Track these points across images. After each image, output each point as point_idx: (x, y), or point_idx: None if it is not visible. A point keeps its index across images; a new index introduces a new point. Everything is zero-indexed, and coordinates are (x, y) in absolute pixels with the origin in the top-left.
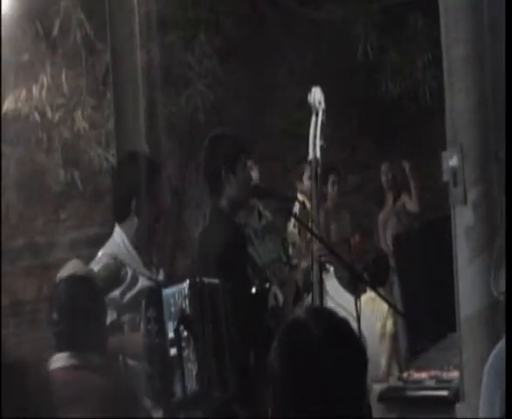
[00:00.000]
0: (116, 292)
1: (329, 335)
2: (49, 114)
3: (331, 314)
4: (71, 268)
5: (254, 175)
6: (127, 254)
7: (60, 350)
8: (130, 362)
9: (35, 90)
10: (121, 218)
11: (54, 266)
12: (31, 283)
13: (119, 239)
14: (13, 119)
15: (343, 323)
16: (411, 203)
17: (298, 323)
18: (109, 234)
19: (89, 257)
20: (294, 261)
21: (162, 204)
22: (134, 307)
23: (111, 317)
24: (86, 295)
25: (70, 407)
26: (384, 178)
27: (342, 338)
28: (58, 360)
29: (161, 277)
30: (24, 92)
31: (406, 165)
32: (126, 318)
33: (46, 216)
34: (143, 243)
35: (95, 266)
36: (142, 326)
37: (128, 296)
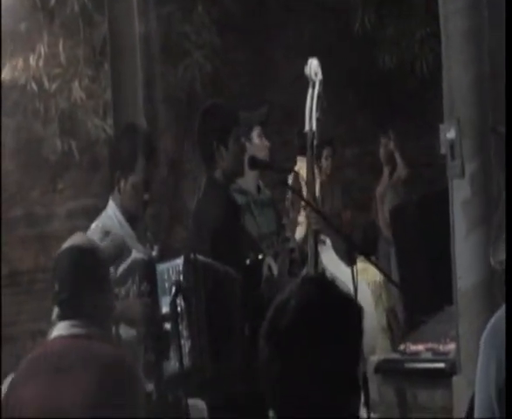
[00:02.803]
0: None
1: (314, 306)
2: (46, 84)
3: (317, 284)
4: (75, 239)
5: (264, 143)
6: (119, 227)
7: (63, 319)
8: (124, 334)
9: (32, 60)
10: (112, 190)
11: (51, 236)
12: (28, 253)
13: (111, 212)
14: (10, 88)
15: (331, 289)
16: (401, 171)
17: (281, 304)
18: (107, 205)
19: (87, 228)
20: (288, 233)
21: (145, 179)
22: (127, 280)
23: None
24: (89, 265)
25: (69, 374)
26: (381, 152)
27: (331, 304)
28: (60, 329)
29: (155, 252)
30: (21, 62)
31: (392, 135)
32: (120, 290)
33: (43, 187)
34: (132, 217)
35: None
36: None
37: (122, 268)
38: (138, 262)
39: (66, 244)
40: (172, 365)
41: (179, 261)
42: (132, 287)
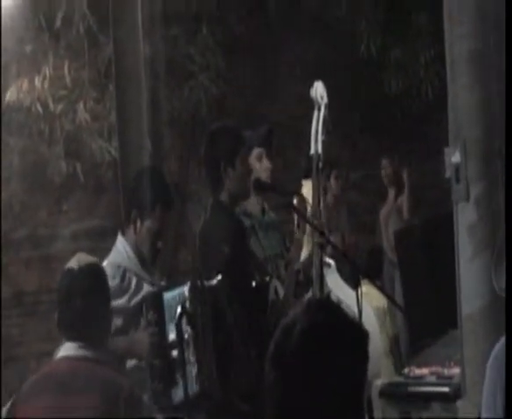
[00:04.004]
0: (123, 300)
1: (321, 330)
2: (51, 106)
3: (323, 308)
4: (79, 260)
5: (265, 165)
6: (129, 261)
7: (68, 339)
8: (133, 365)
9: (37, 81)
10: (124, 225)
11: (56, 258)
12: (32, 274)
13: (121, 247)
14: (15, 110)
15: (337, 313)
16: (404, 209)
17: (287, 327)
18: (111, 227)
19: (91, 250)
20: (292, 254)
21: (161, 228)
22: (139, 313)
23: (117, 323)
24: (99, 287)
25: (75, 397)
26: (383, 173)
27: (337, 328)
28: (67, 350)
29: (163, 282)
30: (26, 83)
31: (405, 171)
32: (131, 323)
33: (48, 208)
34: (144, 256)
35: None
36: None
37: (134, 302)
38: (148, 295)
39: (71, 264)
40: (180, 392)
41: (186, 288)
42: (141, 319)
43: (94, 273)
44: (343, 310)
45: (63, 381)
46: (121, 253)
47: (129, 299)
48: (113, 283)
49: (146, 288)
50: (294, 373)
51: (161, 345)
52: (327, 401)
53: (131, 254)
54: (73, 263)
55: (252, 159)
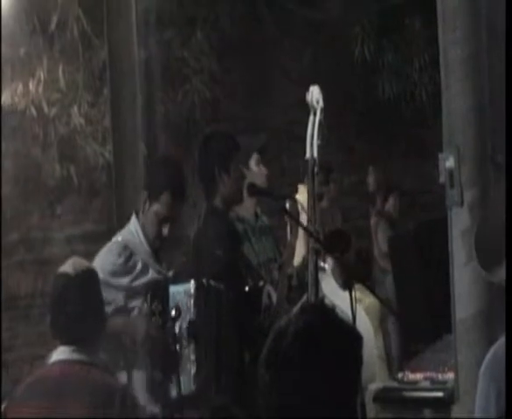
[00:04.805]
0: (126, 279)
1: (314, 333)
2: (45, 109)
3: (317, 311)
4: (74, 264)
5: (262, 171)
6: (139, 244)
7: (62, 343)
8: (131, 350)
9: (32, 85)
10: (138, 209)
11: (49, 261)
12: (25, 278)
13: (133, 228)
14: (9, 113)
15: (331, 316)
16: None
17: (280, 330)
18: (105, 230)
19: (85, 253)
20: (284, 259)
21: (167, 214)
22: (141, 295)
23: (117, 303)
24: (94, 292)
25: (69, 401)
26: (369, 179)
27: (331, 332)
28: (60, 354)
29: (170, 273)
30: (20, 87)
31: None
32: (132, 305)
33: (42, 212)
34: (151, 239)
35: (106, 254)
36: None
37: (137, 283)
38: (153, 282)
39: (66, 269)
40: (176, 388)
41: (191, 285)
42: (143, 306)
43: (89, 278)
44: (337, 313)
45: (56, 385)
46: (131, 234)
47: (132, 281)
48: (117, 261)
49: (152, 274)
50: (288, 375)
51: (162, 337)
52: (320, 404)
53: (141, 236)
54: (68, 267)
55: (252, 164)
